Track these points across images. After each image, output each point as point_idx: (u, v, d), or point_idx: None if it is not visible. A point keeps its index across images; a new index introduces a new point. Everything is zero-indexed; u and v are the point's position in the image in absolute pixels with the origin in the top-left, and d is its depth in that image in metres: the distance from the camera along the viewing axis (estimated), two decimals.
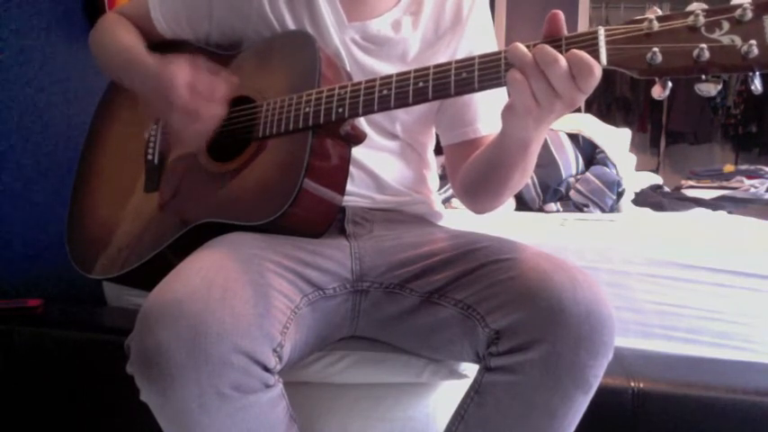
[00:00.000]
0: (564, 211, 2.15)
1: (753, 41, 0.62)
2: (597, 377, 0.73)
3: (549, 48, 0.69)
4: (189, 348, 0.65)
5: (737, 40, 0.62)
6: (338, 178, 0.88)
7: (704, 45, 0.63)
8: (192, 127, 0.87)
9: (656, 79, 0.67)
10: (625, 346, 1.40)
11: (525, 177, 0.90)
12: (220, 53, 1.02)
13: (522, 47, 0.70)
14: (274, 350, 0.71)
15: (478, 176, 0.95)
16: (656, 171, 4.66)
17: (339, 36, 0.97)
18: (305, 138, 0.84)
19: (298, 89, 0.87)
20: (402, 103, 0.79)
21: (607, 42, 0.68)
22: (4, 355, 1.23)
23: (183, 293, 0.68)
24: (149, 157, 1.00)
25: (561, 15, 0.71)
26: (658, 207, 2.37)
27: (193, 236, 0.87)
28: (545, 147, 2.20)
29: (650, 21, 0.66)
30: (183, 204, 0.94)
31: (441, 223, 1.08)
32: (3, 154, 1.54)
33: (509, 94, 0.73)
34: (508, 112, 0.76)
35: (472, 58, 0.75)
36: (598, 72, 0.67)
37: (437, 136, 1.09)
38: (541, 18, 0.72)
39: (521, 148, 0.82)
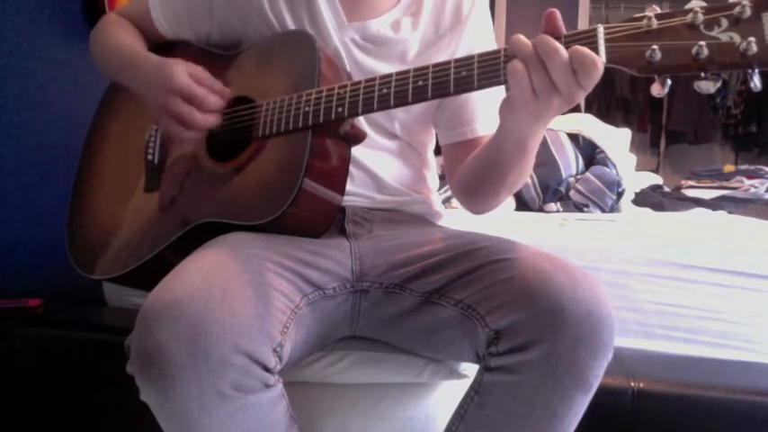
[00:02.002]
0: (564, 211, 2.15)
1: (751, 39, 0.62)
2: (597, 377, 0.73)
3: (549, 38, 0.69)
4: (189, 348, 0.65)
5: (736, 38, 0.63)
6: (338, 178, 0.88)
7: (703, 42, 0.63)
8: (181, 132, 0.87)
9: (656, 77, 0.68)
10: (625, 346, 1.40)
11: (523, 177, 0.90)
12: (220, 53, 1.02)
13: (523, 38, 0.70)
14: (274, 350, 0.71)
15: (476, 176, 0.95)
16: (656, 171, 4.66)
17: (339, 36, 0.97)
18: (304, 137, 0.84)
19: (297, 89, 0.87)
20: (401, 101, 0.79)
21: (606, 40, 0.68)
22: (4, 355, 1.23)
23: (182, 293, 0.68)
24: (149, 157, 1.00)
25: (557, 13, 0.71)
26: (658, 207, 2.37)
27: (193, 236, 0.87)
28: (545, 146, 2.20)
29: (649, 18, 0.66)
30: (183, 204, 0.94)
31: (441, 223, 1.08)
32: (2, 154, 1.54)
33: (508, 88, 0.73)
34: (506, 107, 0.76)
35: (471, 57, 0.75)
36: (601, 67, 0.67)
37: (437, 136, 1.09)
38: (541, 18, 0.72)
39: (518, 147, 0.82)
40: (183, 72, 0.87)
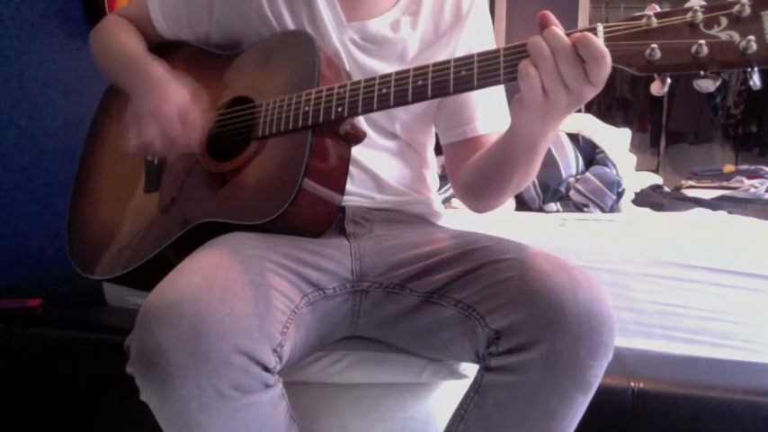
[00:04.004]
0: (564, 211, 2.15)
1: (751, 37, 0.62)
2: (597, 377, 0.73)
3: (553, 29, 0.68)
4: (189, 348, 0.65)
5: (736, 36, 0.63)
6: (338, 178, 0.88)
7: (703, 41, 0.63)
8: (131, 148, 0.90)
9: (655, 76, 0.67)
10: (625, 346, 1.40)
11: (529, 178, 0.90)
12: (220, 53, 1.02)
13: (537, 36, 0.70)
14: (274, 350, 0.71)
15: (482, 174, 0.95)
16: (656, 171, 4.66)
17: (338, 36, 0.97)
18: (304, 137, 0.84)
19: (297, 89, 0.87)
20: (401, 101, 0.79)
21: (606, 39, 0.68)
22: (4, 355, 1.23)
23: (183, 293, 0.68)
24: (149, 157, 1.00)
25: (550, 15, 0.71)
26: (658, 207, 2.37)
27: (193, 236, 0.87)
28: None
29: (649, 17, 0.66)
30: (183, 204, 0.94)
31: (441, 223, 1.08)
32: (3, 154, 1.54)
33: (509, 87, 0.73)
34: (517, 107, 0.75)
35: (471, 56, 0.75)
36: (609, 58, 0.67)
37: (437, 135, 1.09)
38: None
39: (528, 147, 0.82)
40: (175, 105, 0.88)
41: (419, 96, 0.78)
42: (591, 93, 0.70)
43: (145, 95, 0.90)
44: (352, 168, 0.92)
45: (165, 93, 0.89)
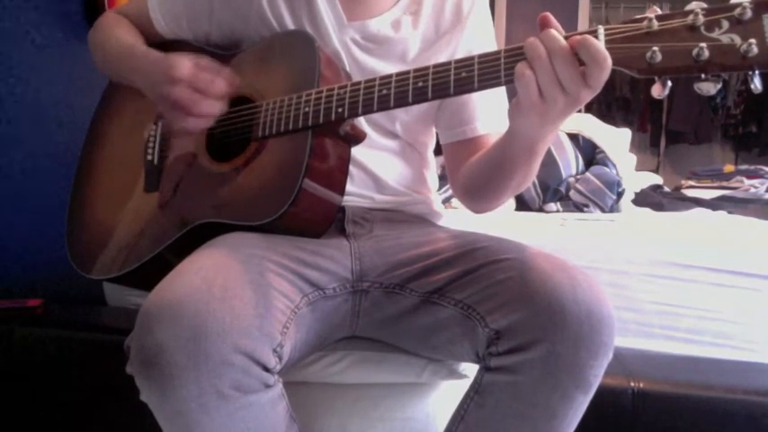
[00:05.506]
0: (564, 211, 2.15)
1: (752, 40, 0.62)
2: (597, 377, 0.73)
3: (552, 31, 0.68)
4: (189, 348, 0.65)
5: (737, 39, 0.62)
6: (338, 178, 0.88)
7: (704, 44, 0.63)
8: (186, 121, 0.85)
9: (656, 78, 0.67)
10: (625, 346, 1.40)
11: (528, 180, 0.90)
12: (220, 53, 1.02)
13: (534, 38, 0.70)
14: (274, 350, 0.71)
15: (481, 176, 0.95)
16: (656, 171, 4.66)
17: (338, 36, 0.97)
18: (304, 138, 0.84)
19: (297, 89, 0.87)
20: (401, 102, 0.79)
21: (607, 41, 0.68)
22: (4, 355, 1.23)
23: (182, 293, 0.68)
24: (149, 157, 1.00)
25: (550, 16, 0.71)
26: (658, 207, 2.38)
27: (193, 236, 0.87)
28: None
29: (650, 20, 0.66)
30: (183, 204, 0.94)
31: (440, 223, 1.08)
32: (2, 154, 1.54)
33: (509, 89, 0.73)
34: (515, 109, 0.75)
35: (471, 58, 0.75)
36: (610, 62, 0.66)
37: (437, 135, 1.09)
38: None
39: (526, 149, 0.82)
40: (186, 61, 0.86)
41: (419, 98, 0.78)
42: (588, 95, 0.70)
43: (153, 73, 0.89)
44: (351, 168, 0.92)
45: (172, 60, 0.86)
